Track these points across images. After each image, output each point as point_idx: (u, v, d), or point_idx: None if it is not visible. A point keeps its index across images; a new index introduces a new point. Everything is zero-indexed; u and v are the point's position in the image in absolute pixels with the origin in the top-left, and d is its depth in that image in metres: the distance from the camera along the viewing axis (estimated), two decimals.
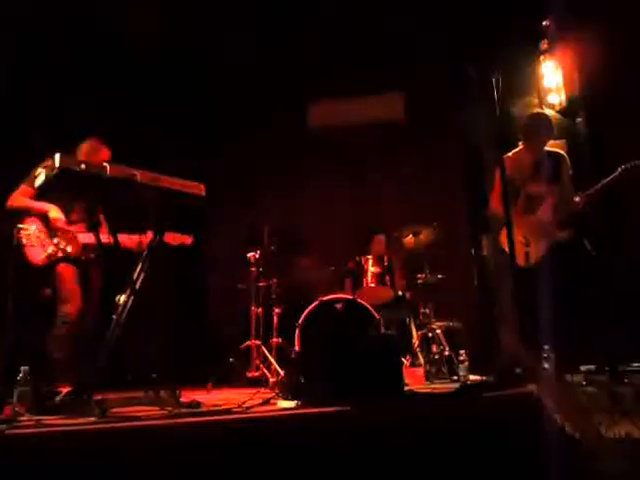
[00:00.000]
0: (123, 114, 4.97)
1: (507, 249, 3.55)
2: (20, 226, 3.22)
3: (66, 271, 3.30)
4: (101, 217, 3.46)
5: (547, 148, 3.73)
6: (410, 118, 5.95)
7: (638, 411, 2.43)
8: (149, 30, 4.97)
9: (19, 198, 3.28)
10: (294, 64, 5.64)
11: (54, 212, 3.27)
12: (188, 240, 3.61)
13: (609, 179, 3.43)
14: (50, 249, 3.25)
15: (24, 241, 3.19)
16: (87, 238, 3.34)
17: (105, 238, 3.06)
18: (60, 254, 3.28)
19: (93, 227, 2.95)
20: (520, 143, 3.79)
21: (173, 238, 3.50)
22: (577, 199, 3.54)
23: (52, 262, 3.26)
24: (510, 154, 3.73)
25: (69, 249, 3.31)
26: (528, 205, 3.66)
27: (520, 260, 3.51)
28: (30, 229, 3.23)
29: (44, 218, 3.28)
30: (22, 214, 3.28)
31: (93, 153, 3.41)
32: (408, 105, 5.99)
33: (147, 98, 5.33)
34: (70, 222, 3.37)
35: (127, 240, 3.34)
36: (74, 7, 4.69)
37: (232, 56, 5.66)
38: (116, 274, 3.08)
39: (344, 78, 5.68)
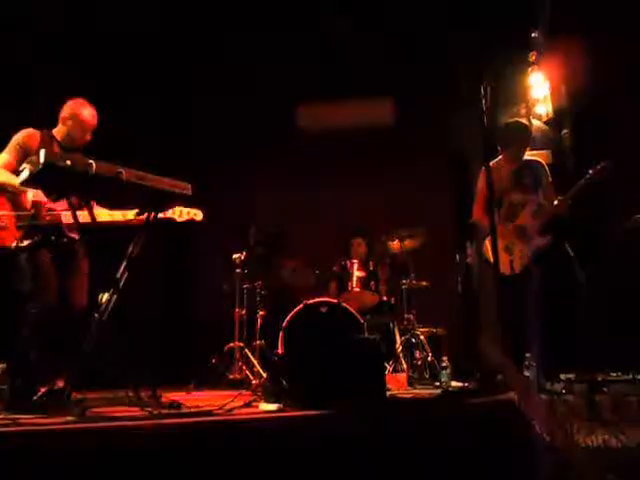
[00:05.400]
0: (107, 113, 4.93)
1: (491, 258, 3.59)
2: None
3: (42, 259, 2.97)
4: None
5: (526, 157, 3.77)
6: (398, 123, 5.98)
7: (615, 420, 2.46)
8: (131, 25, 4.97)
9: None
10: (282, 65, 5.64)
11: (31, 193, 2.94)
12: (198, 215, 3.27)
13: (583, 180, 3.47)
14: (23, 229, 2.91)
15: None
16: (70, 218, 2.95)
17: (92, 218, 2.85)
18: (35, 237, 2.92)
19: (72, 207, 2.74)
20: (499, 152, 3.83)
21: (180, 213, 3.19)
22: (556, 202, 3.57)
23: (27, 246, 2.92)
24: (490, 164, 3.76)
25: (49, 232, 2.97)
26: (510, 213, 3.70)
27: (504, 269, 3.54)
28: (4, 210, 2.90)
29: (17, 198, 2.95)
30: None
31: (77, 108, 3.16)
32: (396, 110, 6.02)
33: (129, 97, 5.29)
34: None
35: (110, 216, 3.07)
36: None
37: (218, 54, 5.65)
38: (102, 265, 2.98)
39: (333, 80, 5.70)
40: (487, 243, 3.67)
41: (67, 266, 3.10)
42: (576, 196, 3.50)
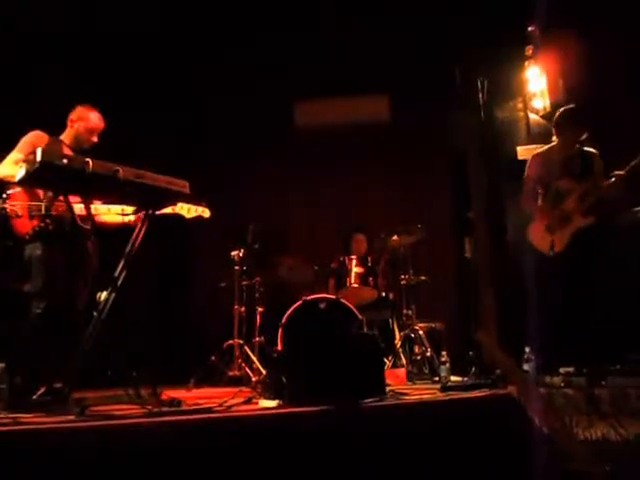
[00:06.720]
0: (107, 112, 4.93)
1: (535, 244, 3.66)
2: (6, 193, 2.92)
3: (54, 257, 2.97)
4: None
5: (580, 146, 3.72)
6: (395, 119, 5.97)
7: (615, 413, 2.47)
8: (134, 26, 4.95)
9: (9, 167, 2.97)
10: (280, 63, 5.63)
11: None
12: (205, 213, 3.35)
13: (635, 162, 3.39)
14: (38, 219, 2.93)
15: (9, 211, 2.88)
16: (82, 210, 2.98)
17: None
18: (50, 227, 2.94)
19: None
20: (554, 138, 3.81)
21: (188, 210, 3.25)
22: (609, 183, 3.50)
23: (40, 234, 2.93)
24: (542, 150, 3.74)
25: (63, 222, 2.98)
26: (557, 200, 3.66)
27: (545, 248, 3.56)
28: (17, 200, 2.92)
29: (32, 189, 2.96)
30: (8, 184, 2.93)
31: (84, 111, 3.26)
32: (393, 106, 6.02)
33: (129, 97, 5.27)
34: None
35: (109, 215, 3.13)
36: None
37: (217, 55, 5.64)
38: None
39: (330, 78, 5.69)
40: (532, 228, 3.71)
41: (76, 264, 3.10)
42: (628, 176, 3.42)
